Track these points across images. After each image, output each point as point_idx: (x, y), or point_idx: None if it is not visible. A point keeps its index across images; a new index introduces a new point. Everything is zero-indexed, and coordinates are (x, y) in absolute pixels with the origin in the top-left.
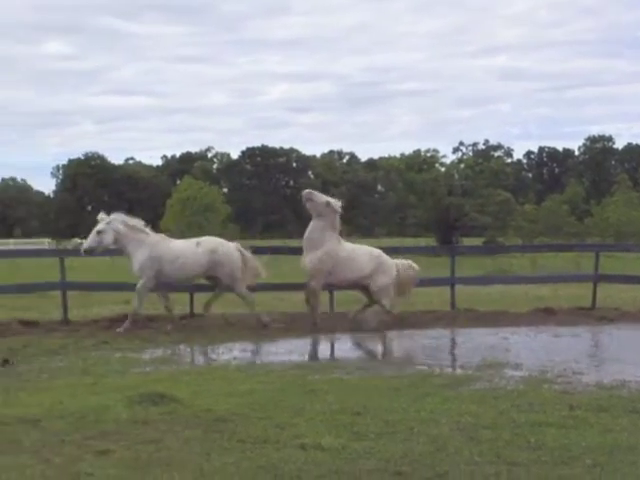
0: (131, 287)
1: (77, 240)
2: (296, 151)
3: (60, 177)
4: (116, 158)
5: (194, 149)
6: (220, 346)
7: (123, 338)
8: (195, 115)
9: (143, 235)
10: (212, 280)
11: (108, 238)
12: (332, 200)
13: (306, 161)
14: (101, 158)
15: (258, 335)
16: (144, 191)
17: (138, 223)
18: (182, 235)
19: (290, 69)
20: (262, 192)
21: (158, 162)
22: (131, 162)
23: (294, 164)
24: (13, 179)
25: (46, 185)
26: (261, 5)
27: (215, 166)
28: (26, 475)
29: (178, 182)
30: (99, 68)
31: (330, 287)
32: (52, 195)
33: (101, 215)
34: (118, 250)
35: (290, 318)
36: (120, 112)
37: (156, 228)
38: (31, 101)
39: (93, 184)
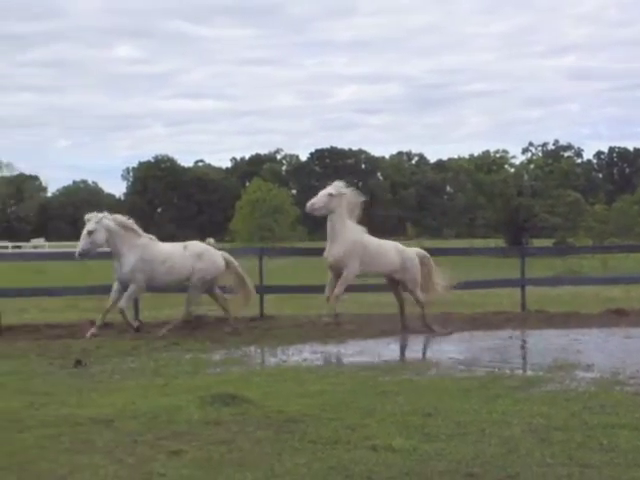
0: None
1: None
2: (365, 152)
3: (130, 180)
4: (186, 161)
5: (263, 151)
6: (290, 347)
7: (193, 339)
8: (264, 117)
9: (135, 236)
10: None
11: (100, 237)
12: (332, 189)
13: (375, 162)
14: (171, 161)
15: (327, 336)
16: (213, 193)
17: (129, 221)
18: (251, 237)
19: (358, 70)
20: None
21: (227, 164)
22: (200, 164)
23: (363, 165)
24: (84, 181)
25: (117, 188)
26: (328, 6)
27: (284, 168)
28: (99, 475)
29: (247, 184)
30: (169, 72)
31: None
32: (123, 197)
33: (88, 215)
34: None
35: (360, 320)
36: (190, 115)
37: (226, 230)
38: (103, 105)
39: (163, 186)
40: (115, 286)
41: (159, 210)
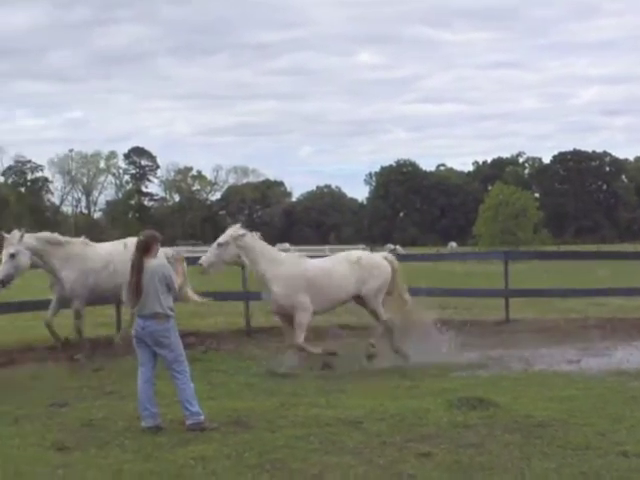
0: (453, 292)
1: (391, 246)
2: (609, 155)
3: (373, 184)
4: (427, 165)
5: (505, 154)
6: (536, 351)
7: None
8: (506, 121)
9: (63, 248)
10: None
11: (24, 260)
12: (222, 238)
13: (620, 165)
14: (413, 165)
15: (573, 340)
16: (455, 197)
17: (52, 235)
18: (493, 240)
19: (601, 72)
20: (574, 197)
21: (469, 168)
22: (442, 168)
23: (607, 168)
24: (328, 186)
25: (359, 192)
26: (570, 8)
27: (527, 171)
28: (350, 475)
29: (489, 188)
30: (411, 76)
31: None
32: (365, 202)
33: (7, 236)
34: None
35: (607, 324)
36: (431, 119)
37: (468, 234)
38: (345, 111)
39: (405, 191)
40: (54, 301)
41: (401, 214)
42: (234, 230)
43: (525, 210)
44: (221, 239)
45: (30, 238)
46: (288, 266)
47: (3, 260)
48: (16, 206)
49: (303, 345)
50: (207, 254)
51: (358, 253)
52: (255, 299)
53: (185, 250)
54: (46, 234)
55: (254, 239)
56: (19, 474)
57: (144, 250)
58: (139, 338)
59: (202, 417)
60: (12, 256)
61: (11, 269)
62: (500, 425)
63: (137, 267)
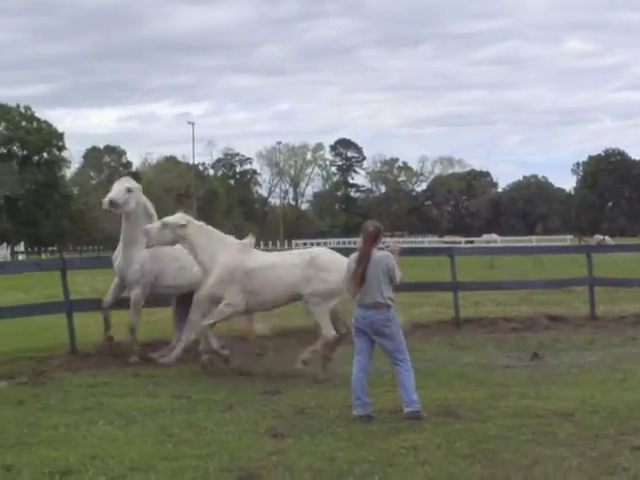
0: None
1: (599, 237)
2: None
3: (580, 174)
4: (637, 153)
5: None
6: None
7: None
8: None
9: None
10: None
11: (132, 202)
12: (169, 219)
13: None
14: (621, 154)
15: None
16: None
17: (149, 206)
18: None
19: None
20: None
21: None
22: None
23: None
24: (534, 176)
25: (566, 182)
26: None
27: None
28: (563, 467)
29: None
30: (620, 64)
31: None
32: (572, 192)
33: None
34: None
35: None
36: None
37: None
38: (552, 99)
39: (613, 180)
40: (114, 285)
41: (610, 204)
42: (176, 218)
43: None
44: (166, 219)
45: (141, 195)
46: (226, 257)
47: (117, 188)
48: (226, 198)
49: (205, 326)
50: (152, 227)
51: (316, 251)
52: (466, 289)
53: (397, 241)
54: (148, 202)
55: (196, 231)
56: (234, 459)
57: (374, 240)
58: (359, 328)
59: (419, 406)
60: (128, 190)
61: (121, 199)
62: None
63: (366, 257)
